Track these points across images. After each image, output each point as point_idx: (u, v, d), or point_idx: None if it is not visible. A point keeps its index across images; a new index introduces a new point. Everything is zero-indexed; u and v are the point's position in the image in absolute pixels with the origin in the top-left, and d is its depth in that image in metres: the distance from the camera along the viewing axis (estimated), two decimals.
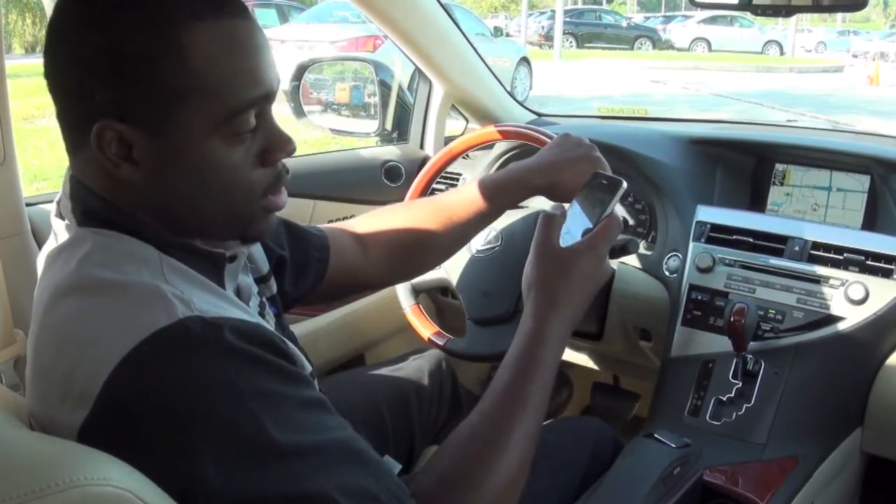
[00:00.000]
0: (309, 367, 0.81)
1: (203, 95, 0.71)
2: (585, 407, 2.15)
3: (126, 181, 0.74)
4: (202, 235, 0.79)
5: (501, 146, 1.82)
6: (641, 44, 21.13)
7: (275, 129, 0.79)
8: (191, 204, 0.75)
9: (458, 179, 1.94)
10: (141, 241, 0.74)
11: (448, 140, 1.72)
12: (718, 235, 1.54)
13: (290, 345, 0.74)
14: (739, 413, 1.39)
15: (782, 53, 20.55)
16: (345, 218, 1.94)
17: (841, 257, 1.43)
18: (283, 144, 0.79)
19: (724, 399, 1.41)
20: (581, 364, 1.91)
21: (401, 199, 1.60)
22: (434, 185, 1.63)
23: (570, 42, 20.13)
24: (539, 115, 2.11)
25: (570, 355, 1.89)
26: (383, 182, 1.96)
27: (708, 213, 1.58)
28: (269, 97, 0.76)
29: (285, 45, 8.75)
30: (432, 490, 0.78)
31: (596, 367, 1.92)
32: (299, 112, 2.00)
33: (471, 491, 0.78)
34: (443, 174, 1.65)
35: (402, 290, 1.55)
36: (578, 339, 1.76)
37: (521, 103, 2.15)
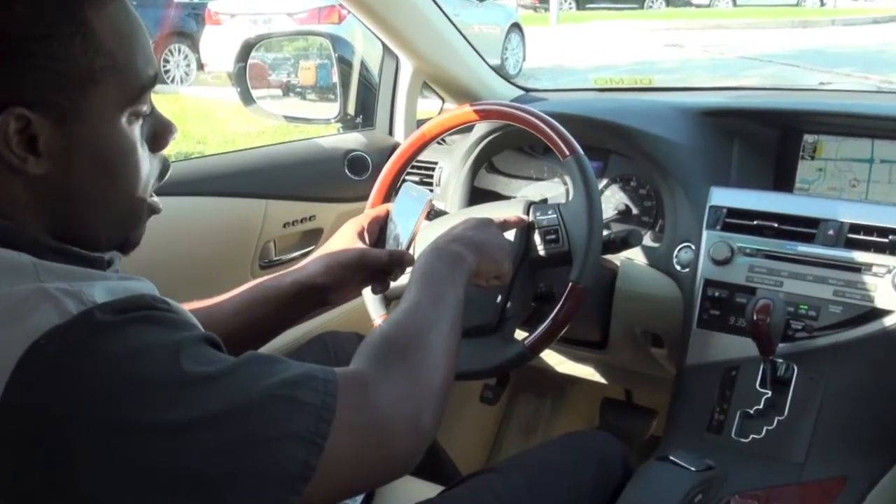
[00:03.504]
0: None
1: (113, 74, 0.79)
2: (594, 428, 2.14)
3: (10, 180, 0.77)
4: (87, 240, 0.84)
5: (481, 129, 1.82)
6: (653, 1, 21.17)
7: (160, 113, 0.88)
8: (91, 196, 0.82)
9: (433, 168, 1.94)
10: (12, 249, 0.76)
11: (421, 124, 1.72)
12: (737, 221, 1.54)
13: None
14: (770, 428, 1.39)
15: (823, 4, 20.45)
16: (303, 220, 1.98)
17: (886, 240, 1.42)
18: (170, 127, 0.89)
19: (752, 412, 1.41)
20: (585, 378, 1.91)
21: (367, 193, 1.59)
22: (406, 177, 1.62)
23: (570, 3, 20.16)
24: (527, 90, 2.11)
25: (572, 368, 1.88)
26: (346, 175, 1.96)
27: (724, 196, 1.57)
28: (157, 77, 0.85)
29: (236, 19, 8.73)
30: (362, 370, 0.88)
31: (603, 381, 1.92)
32: (247, 98, 1.99)
33: (402, 366, 0.89)
34: (415, 163, 1.65)
35: (371, 300, 1.55)
36: (579, 348, 1.77)
37: (506, 78, 2.15)
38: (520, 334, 1.43)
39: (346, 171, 1.96)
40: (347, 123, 2.06)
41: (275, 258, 1.88)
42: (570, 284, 1.35)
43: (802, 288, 1.45)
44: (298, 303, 1.24)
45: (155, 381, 0.72)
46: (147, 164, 0.87)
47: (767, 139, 1.68)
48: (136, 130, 0.84)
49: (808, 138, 1.65)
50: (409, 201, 1.30)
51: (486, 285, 1.24)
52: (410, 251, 1.27)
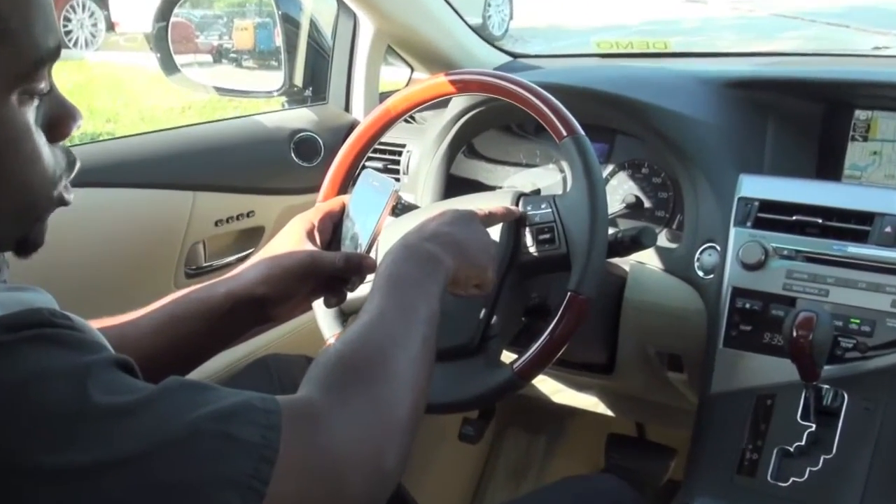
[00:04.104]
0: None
1: (4, 42, 0.77)
2: (599, 471, 2.14)
3: None
4: None
5: (459, 104, 1.82)
6: None
7: (61, 96, 0.87)
8: None
9: (399, 152, 1.94)
10: None
11: (385, 97, 1.71)
12: (772, 216, 1.54)
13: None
14: (815, 469, 1.39)
15: None
16: (239, 217, 1.97)
17: None
18: (74, 113, 0.88)
19: (792, 449, 1.41)
20: (588, 409, 1.91)
21: (318, 183, 1.59)
22: (366, 163, 1.61)
23: None
24: (515, 56, 2.11)
25: (571, 397, 1.89)
26: (293, 161, 1.96)
27: (756, 186, 1.58)
28: (60, 50, 0.83)
29: None
30: (312, 399, 0.87)
31: (610, 413, 1.92)
32: (169, 65, 1.98)
33: (361, 393, 0.89)
34: (377, 146, 1.64)
35: (324, 315, 1.54)
36: (580, 373, 1.77)
37: (490, 41, 2.15)
38: (507, 356, 1.43)
39: (293, 155, 1.96)
40: (294, 97, 2.06)
41: (204, 264, 1.87)
42: (569, 295, 1.34)
43: (853, 298, 1.46)
44: (234, 319, 1.23)
45: (55, 415, 0.71)
46: (49, 154, 0.85)
47: (809, 116, 1.69)
48: (30, 113, 0.82)
49: (860, 115, 1.66)
50: (370, 193, 1.29)
51: (463, 294, 1.24)
52: (372, 254, 1.26)
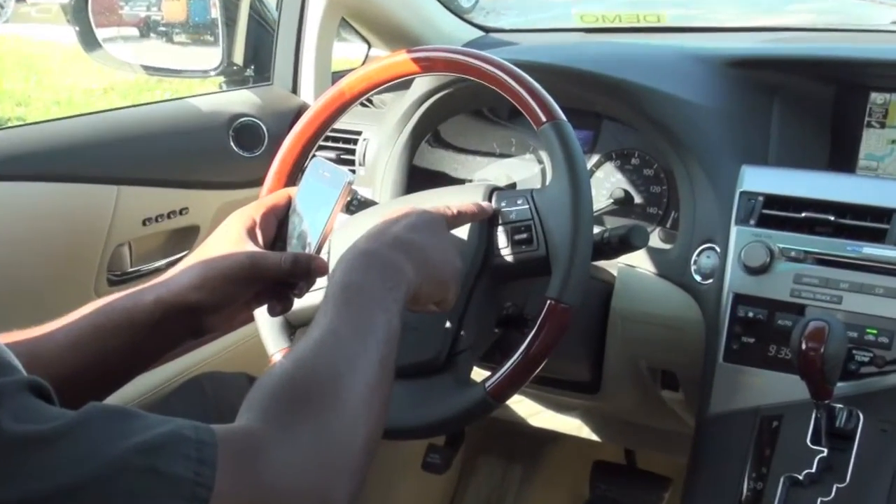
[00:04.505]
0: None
1: None
2: (585, 502, 2.15)
3: None
4: None
5: (423, 85, 1.82)
6: None
7: None
8: None
9: (355, 141, 1.93)
10: None
11: (338, 78, 1.71)
12: (778, 213, 1.55)
13: None
14: (827, 499, 1.40)
15: None
16: (171, 215, 1.95)
17: None
18: None
19: (801, 478, 1.42)
20: (571, 433, 1.91)
21: (261, 175, 1.58)
22: (316, 152, 1.61)
23: None
24: (486, 30, 2.12)
25: (551, 420, 1.89)
26: (233, 150, 1.96)
27: (760, 178, 1.59)
28: None
29: None
30: (253, 427, 0.87)
31: (595, 437, 1.92)
32: (89, 40, 1.97)
33: (310, 422, 0.89)
34: (330, 133, 1.64)
35: (268, 326, 1.53)
36: (562, 392, 1.77)
37: (458, 13, 2.14)
38: (478, 373, 1.43)
39: (233, 144, 1.96)
40: (233, 77, 2.05)
41: (130, 269, 1.86)
42: (548, 303, 1.34)
43: (870, 305, 1.47)
44: (163, 330, 1.21)
45: None
46: None
47: (820, 99, 1.70)
48: None
49: (877, 98, 1.68)
50: (319, 185, 1.29)
51: (417, 311, 1.24)
52: (323, 254, 1.26)
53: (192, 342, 1.46)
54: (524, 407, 1.91)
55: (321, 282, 1.21)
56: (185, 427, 0.81)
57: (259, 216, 1.29)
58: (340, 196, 1.25)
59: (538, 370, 1.35)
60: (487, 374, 1.38)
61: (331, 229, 1.26)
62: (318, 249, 1.25)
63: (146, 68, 2.10)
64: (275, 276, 1.23)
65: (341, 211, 1.28)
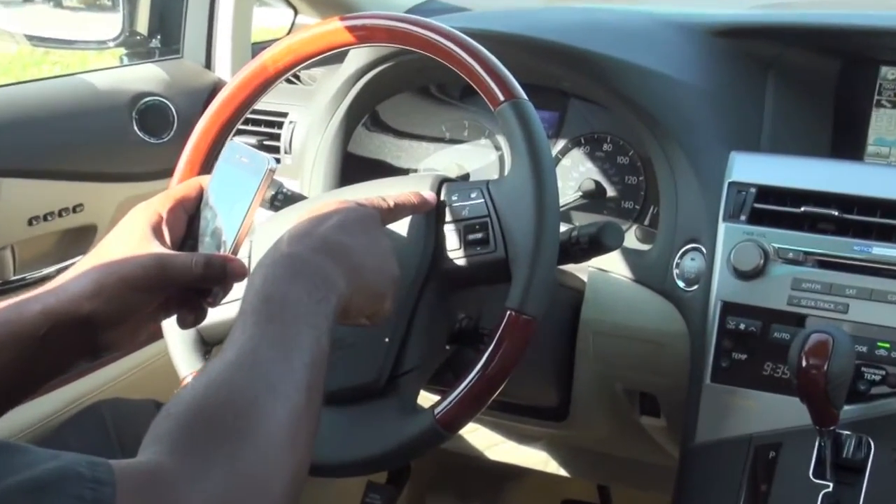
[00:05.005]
0: None
1: None
2: None
3: None
4: None
5: (359, 59, 1.82)
6: None
7: None
8: None
9: (280, 124, 1.93)
10: None
11: (259, 50, 1.71)
12: (773, 208, 1.56)
13: None
14: None
15: None
16: (62, 213, 1.93)
17: None
18: None
19: None
20: (535, 468, 1.91)
21: (170, 166, 1.57)
22: (234, 137, 1.61)
23: None
24: None
25: (513, 452, 1.89)
26: (136, 135, 1.95)
27: (752, 167, 1.60)
28: None
29: None
30: (159, 463, 0.86)
31: (563, 472, 1.93)
32: None
33: (225, 456, 0.88)
34: (251, 115, 1.64)
35: (178, 341, 1.52)
36: (525, 419, 1.78)
37: None
38: (426, 398, 1.43)
39: (136, 128, 1.95)
40: (136, 49, 2.04)
41: (13, 277, 1.85)
42: (508, 314, 1.34)
43: (881, 315, 1.48)
44: (53, 347, 1.20)
45: None
46: None
47: (822, 75, 1.72)
48: None
49: (888, 73, 1.70)
50: (236, 173, 1.28)
51: (346, 324, 1.23)
52: (242, 256, 1.25)
53: (89, 363, 1.46)
54: (480, 437, 1.92)
55: (240, 289, 1.20)
56: (79, 463, 0.80)
57: (166, 211, 1.28)
58: (261, 186, 1.24)
59: (496, 394, 1.35)
60: (437, 398, 1.37)
61: (250, 225, 1.26)
62: (236, 249, 1.25)
63: (30, 38, 2.09)
64: (185, 281, 1.22)
65: (263, 205, 1.27)
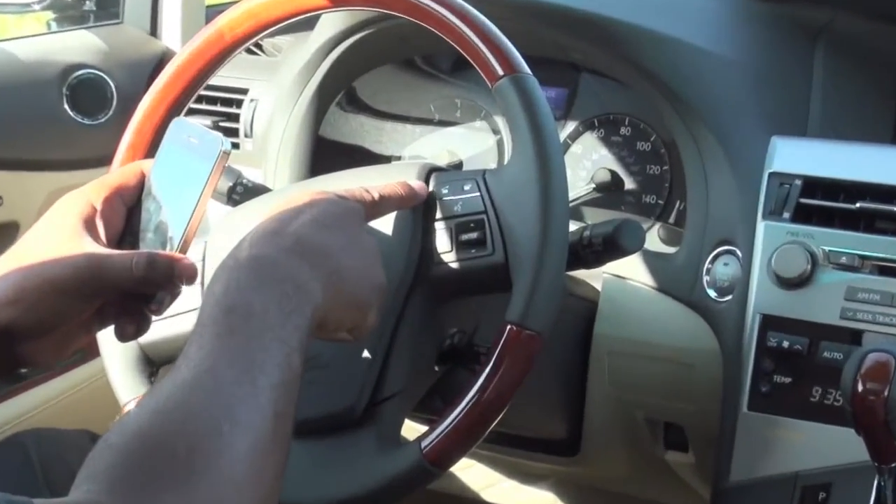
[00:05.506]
0: None
1: None
2: None
3: None
4: None
5: (332, 25, 1.82)
6: None
7: None
8: None
9: (240, 102, 1.93)
10: None
11: (214, 15, 1.70)
12: (823, 203, 1.56)
13: None
14: None
15: None
16: None
17: None
18: None
19: None
20: None
21: (107, 152, 1.57)
22: (187, 116, 1.60)
23: None
24: None
25: (513, 494, 1.90)
26: (67, 115, 1.96)
27: (797, 155, 1.60)
28: None
29: None
30: (95, 502, 0.86)
31: None
32: None
33: (174, 496, 0.88)
34: (204, 91, 1.64)
35: (117, 359, 1.52)
36: (530, 454, 1.78)
37: None
38: (412, 428, 1.43)
39: (67, 107, 1.96)
40: (67, 12, 2.05)
41: None
42: (509, 329, 1.33)
43: None
44: None
45: None
46: None
47: (881, 46, 1.72)
48: None
49: None
50: (184, 156, 1.27)
51: (323, 339, 1.22)
52: (191, 253, 1.24)
53: (5, 384, 1.45)
54: (476, 475, 1.92)
55: (189, 295, 1.19)
56: None
57: (100, 201, 1.26)
58: (213, 171, 1.22)
59: (494, 424, 1.34)
60: (424, 429, 1.37)
61: (200, 218, 1.23)
62: (184, 247, 1.23)
63: None
64: (123, 284, 1.21)
65: (219, 199, 1.27)
